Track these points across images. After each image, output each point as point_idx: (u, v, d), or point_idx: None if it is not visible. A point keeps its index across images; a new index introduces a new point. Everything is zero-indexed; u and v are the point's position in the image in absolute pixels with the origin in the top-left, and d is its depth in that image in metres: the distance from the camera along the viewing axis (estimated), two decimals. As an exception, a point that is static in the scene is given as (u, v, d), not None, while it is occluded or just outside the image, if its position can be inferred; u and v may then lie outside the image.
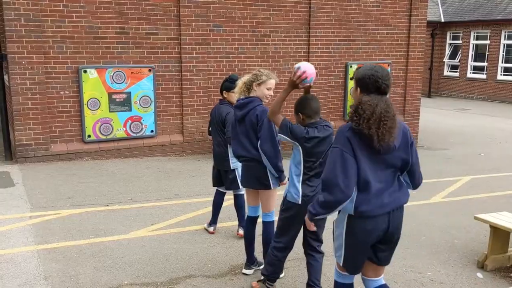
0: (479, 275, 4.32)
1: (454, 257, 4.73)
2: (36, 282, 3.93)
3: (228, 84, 4.72)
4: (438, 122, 14.77)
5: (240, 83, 4.04)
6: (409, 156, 2.77)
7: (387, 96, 2.70)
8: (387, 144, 2.59)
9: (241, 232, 4.83)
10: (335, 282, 3.05)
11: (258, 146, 3.81)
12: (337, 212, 2.78)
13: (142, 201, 6.18)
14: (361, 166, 2.62)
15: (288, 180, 3.61)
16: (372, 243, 2.79)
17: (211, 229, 5.12)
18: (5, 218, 5.37)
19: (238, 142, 3.96)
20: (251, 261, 4.19)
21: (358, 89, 2.72)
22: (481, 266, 4.45)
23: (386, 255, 2.90)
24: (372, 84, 2.65)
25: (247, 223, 4.17)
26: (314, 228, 3.11)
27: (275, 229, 3.79)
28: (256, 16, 9.24)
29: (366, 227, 2.72)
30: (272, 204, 3.99)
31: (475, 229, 5.47)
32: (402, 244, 4.96)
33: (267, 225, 4.00)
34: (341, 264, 2.91)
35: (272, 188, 3.91)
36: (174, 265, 4.34)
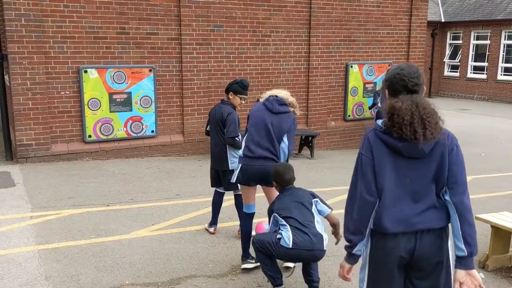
0: (481, 275, 4.31)
1: (455, 257, 4.72)
2: (37, 282, 3.92)
3: (239, 88, 4.71)
4: (439, 122, 14.74)
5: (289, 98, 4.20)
6: (445, 165, 2.34)
7: (420, 94, 2.41)
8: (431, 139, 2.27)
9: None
10: None
11: (287, 148, 4.08)
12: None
13: (143, 201, 6.18)
14: (381, 172, 2.34)
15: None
16: (396, 265, 2.37)
17: (211, 229, 5.11)
18: (6, 218, 5.37)
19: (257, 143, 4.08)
20: (248, 255, 4.26)
21: (387, 91, 2.51)
22: (482, 266, 4.45)
23: (424, 287, 2.41)
24: (398, 83, 2.41)
25: (246, 219, 4.28)
26: (351, 278, 2.58)
27: None
28: (256, 16, 9.24)
29: (386, 244, 2.35)
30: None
31: (477, 229, 5.44)
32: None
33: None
34: None
35: None
36: (175, 265, 4.34)
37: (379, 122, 2.43)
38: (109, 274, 4.11)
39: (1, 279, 3.96)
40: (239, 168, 4.17)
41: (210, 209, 5.85)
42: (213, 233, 5.08)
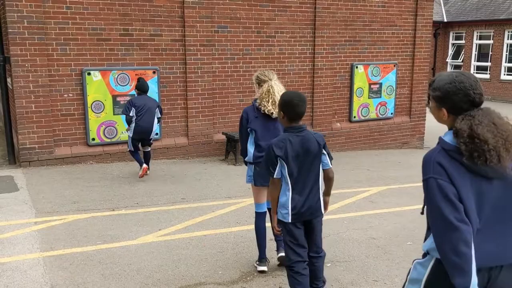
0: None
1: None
2: (43, 291, 3.82)
3: None
4: (443, 123, 14.65)
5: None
6: None
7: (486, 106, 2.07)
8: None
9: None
10: None
11: None
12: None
13: (148, 205, 6.08)
14: (462, 199, 1.96)
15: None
16: None
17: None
18: (9, 224, 5.27)
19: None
20: (264, 256, 4.23)
21: (444, 110, 2.08)
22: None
23: None
24: (462, 100, 2.03)
25: (261, 219, 4.18)
26: None
27: None
28: (261, 16, 9.14)
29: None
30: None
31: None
32: (416, 249, 4.85)
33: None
34: None
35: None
36: (184, 272, 4.23)
37: (449, 139, 2.04)
38: (117, 282, 4.01)
39: (6, 288, 3.86)
40: (253, 169, 4.11)
41: (217, 213, 5.79)
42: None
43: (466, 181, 1.97)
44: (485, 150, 1.94)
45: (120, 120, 8.19)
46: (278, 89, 3.98)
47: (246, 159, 4.22)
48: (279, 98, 3.58)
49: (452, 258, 1.91)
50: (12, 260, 4.36)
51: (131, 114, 6.71)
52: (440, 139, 2.08)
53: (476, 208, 1.97)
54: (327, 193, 3.57)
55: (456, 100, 2.04)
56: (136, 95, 7.05)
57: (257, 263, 4.29)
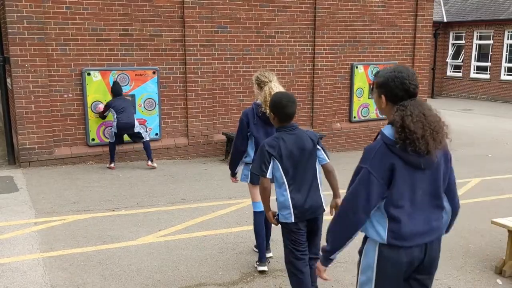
0: (499, 281, 4.20)
1: (470, 262, 4.61)
2: (43, 292, 3.82)
3: None
4: (443, 123, 14.63)
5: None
6: (448, 172, 2.41)
7: (419, 98, 2.36)
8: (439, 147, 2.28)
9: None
10: None
11: None
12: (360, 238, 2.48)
13: (148, 205, 6.07)
14: (398, 189, 2.28)
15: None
16: (406, 276, 2.40)
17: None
18: (9, 224, 5.26)
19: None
20: (263, 256, 4.25)
21: (383, 97, 2.37)
22: (499, 272, 4.33)
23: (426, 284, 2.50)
24: (398, 87, 2.30)
25: (260, 218, 4.17)
26: (328, 278, 2.66)
27: None
28: (261, 17, 9.13)
29: (400, 259, 2.32)
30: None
31: (490, 233, 5.35)
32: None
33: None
34: None
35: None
36: (184, 272, 4.22)
37: (388, 133, 2.30)
38: (117, 283, 4.00)
39: (6, 289, 3.85)
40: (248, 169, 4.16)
41: (217, 213, 5.78)
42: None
43: (404, 173, 2.27)
44: (414, 139, 2.21)
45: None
46: (278, 91, 3.97)
47: (245, 160, 4.21)
48: None
49: (343, 230, 2.36)
50: (12, 260, 4.35)
51: (105, 114, 7.77)
52: (381, 132, 2.34)
53: (409, 196, 2.29)
54: (336, 194, 3.51)
55: (393, 86, 2.31)
56: (112, 98, 7.64)
57: (257, 263, 4.28)
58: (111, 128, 7.70)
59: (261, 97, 4.08)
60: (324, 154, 3.46)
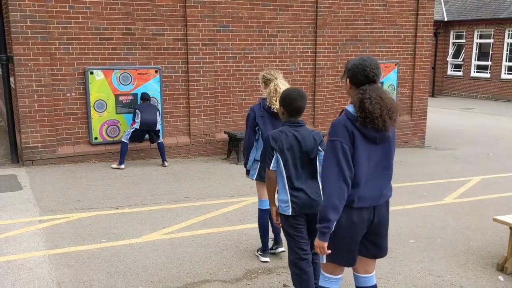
0: (501, 278, 4.24)
1: (472, 259, 4.65)
2: (50, 288, 3.86)
3: None
4: (443, 122, 14.68)
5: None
6: (394, 145, 2.88)
7: (379, 85, 2.78)
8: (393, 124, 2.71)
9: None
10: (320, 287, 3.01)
11: None
12: None
13: (152, 204, 6.11)
14: (358, 158, 2.67)
15: None
16: (361, 235, 2.80)
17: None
18: (14, 222, 5.30)
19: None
20: (267, 248, 4.43)
21: (347, 80, 2.79)
22: (501, 269, 4.37)
23: (375, 248, 2.91)
24: (360, 73, 2.71)
25: (264, 215, 4.33)
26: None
27: None
28: (262, 16, 9.16)
29: (353, 219, 2.73)
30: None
31: (491, 230, 5.39)
32: (419, 247, 4.89)
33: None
34: (333, 261, 2.85)
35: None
36: (189, 269, 4.26)
37: (352, 111, 2.69)
38: (122, 280, 4.04)
39: (13, 285, 3.89)
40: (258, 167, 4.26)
41: (220, 211, 5.81)
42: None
43: (361, 144, 2.68)
44: (374, 118, 2.63)
45: (123, 119, 8.23)
46: (284, 87, 4.03)
47: (255, 157, 4.28)
48: None
49: (334, 198, 2.63)
50: (18, 258, 4.39)
51: (135, 119, 7.84)
52: (345, 110, 2.76)
53: (365, 166, 2.70)
54: None
55: (356, 71, 2.73)
56: (141, 103, 8.01)
57: (259, 252, 4.38)
58: (131, 128, 7.80)
59: (266, 93, 4.15)
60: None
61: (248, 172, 4.41)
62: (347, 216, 2.72)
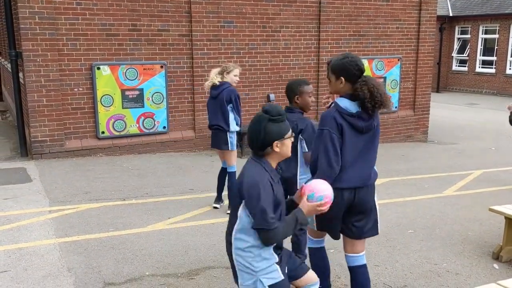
0: (496, 266, 4.36)
1: (468, 248, 4.78)
2: (60, 274, 4.02)
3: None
4: (447, 117, 14.75)
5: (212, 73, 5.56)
6: (379, 134, 3.14)
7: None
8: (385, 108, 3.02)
9: None
10: (309, 248, 3.43)
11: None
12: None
13: (158, 195, 6.27)
14: (344, 147, 2.97)
15: None
16: (341, 213, 3.09)
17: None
18: (25, 212, 5.48)
19: (213, 114, 5.53)
20: (220, 199, 5.79)
21: (342, 78, 2.99)
22: (496, 257, 4.49)
23: (356, 229, 3.16)
24: (354, 68, 2.96)
25: (222, 172, 5.74)
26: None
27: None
28: (266, 11, 9.28)
29: (343, 195, 3.02)
30: (233, 160, 5.57)
31: (489, 221, 5.50)
32: (417, 236, 5.02)
33: (231, 174, 5.58)
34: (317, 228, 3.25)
35: (230, 149, 5.50)
36: (193, 257, 4.42)
37: (343, 105, 2.96)
38: (129, 266, 4.20)
39: (25, 271, 4.06)
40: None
41: (224, 203, 5.95)
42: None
43: (349, 133, 2.97)
44: (377, 101, 2.93)
45: (129, 114, 8.39)
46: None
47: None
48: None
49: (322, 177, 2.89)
50: (30, 245, 4.57)
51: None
52: (335, 103, 3.02)
53: (351, 152, 2.99)
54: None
55: (349, 68, 2.97)
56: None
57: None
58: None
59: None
60: (305, 145, 3.76)
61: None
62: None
